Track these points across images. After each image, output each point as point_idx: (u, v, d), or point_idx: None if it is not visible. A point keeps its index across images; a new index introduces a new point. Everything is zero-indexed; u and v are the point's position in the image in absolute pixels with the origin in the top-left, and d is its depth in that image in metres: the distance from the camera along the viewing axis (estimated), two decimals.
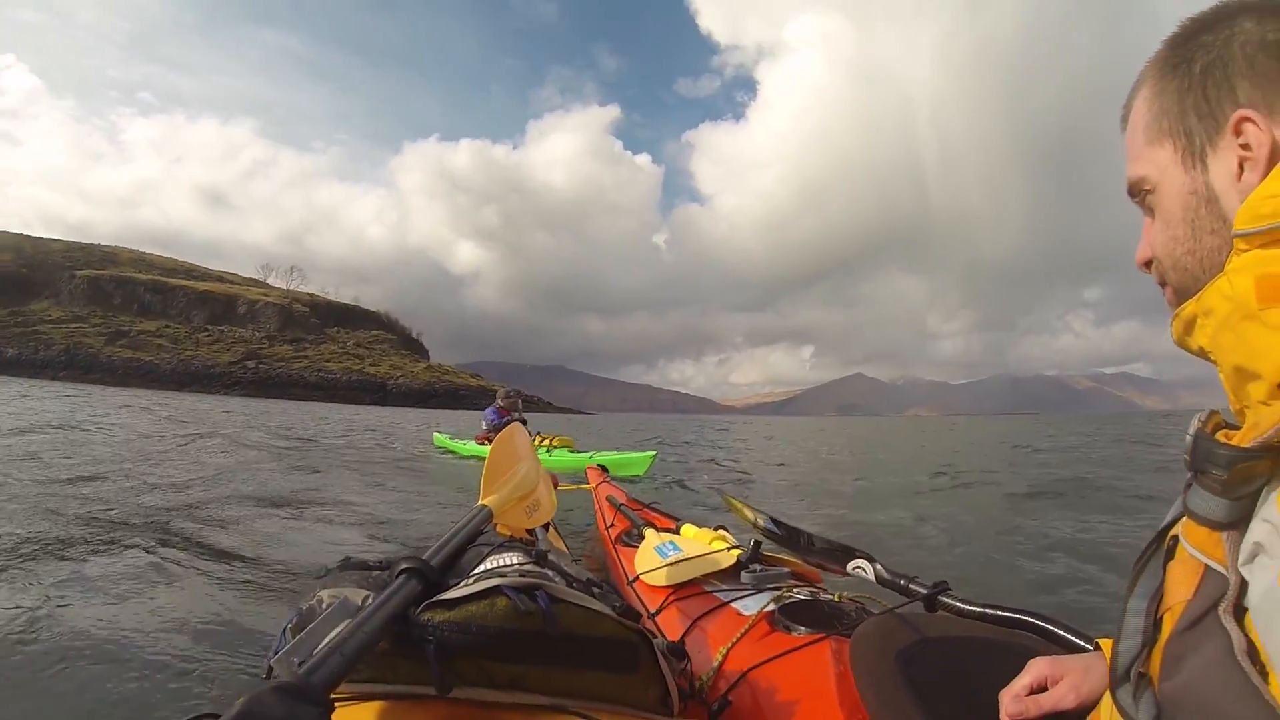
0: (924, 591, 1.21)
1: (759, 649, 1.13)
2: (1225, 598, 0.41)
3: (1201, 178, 0.50)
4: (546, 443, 9.27)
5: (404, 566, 0.80)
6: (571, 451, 9.16)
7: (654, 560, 1.66)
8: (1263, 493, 0.40)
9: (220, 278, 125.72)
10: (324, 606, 0.78)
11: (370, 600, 0.76)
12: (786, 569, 1.55)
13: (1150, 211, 0.56)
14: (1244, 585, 0.40)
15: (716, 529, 1.84)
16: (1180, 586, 0.47)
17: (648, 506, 2.62)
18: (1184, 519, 0.47)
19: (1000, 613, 1.07)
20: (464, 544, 0.97)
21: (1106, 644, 0.68)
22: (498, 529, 1.26)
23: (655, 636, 0.87)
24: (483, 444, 9.86)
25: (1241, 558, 0.40)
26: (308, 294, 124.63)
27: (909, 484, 7.38)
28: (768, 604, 1.29)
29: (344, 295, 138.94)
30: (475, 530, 1.04)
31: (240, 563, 2.74)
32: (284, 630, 0.80)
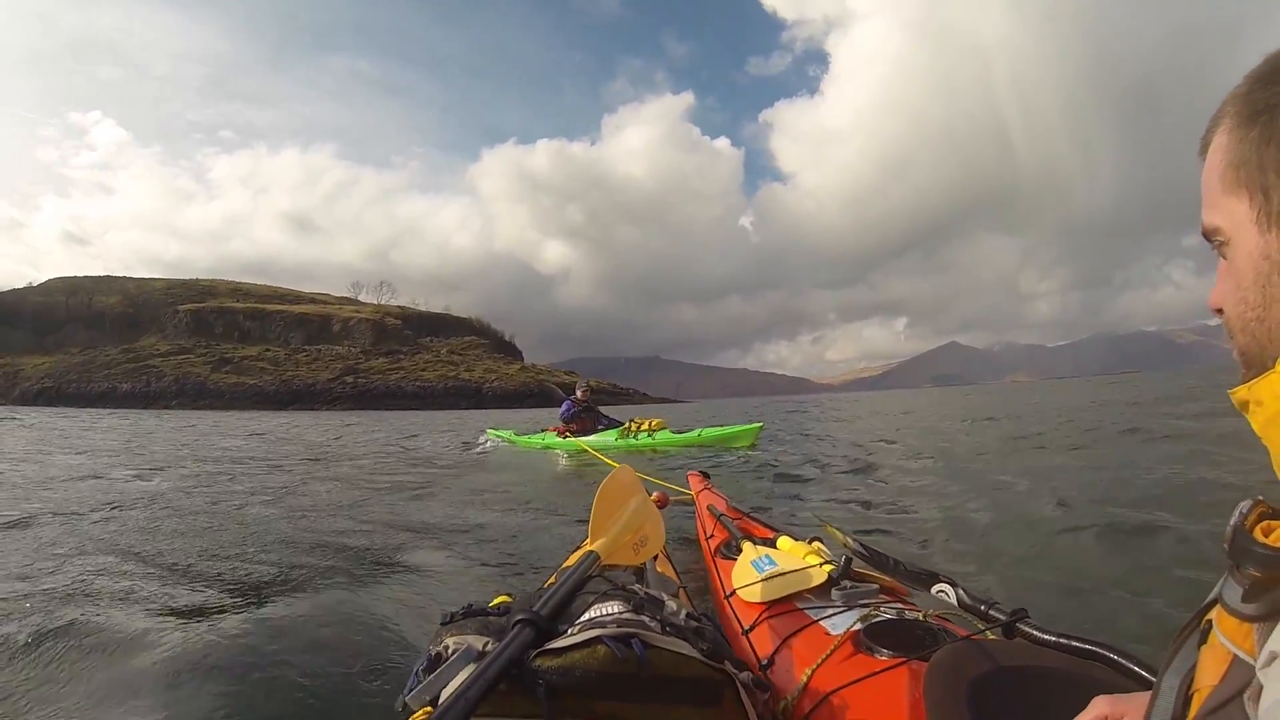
0: (1003, 618, 1.25)
1: (842, 671, 1.17)
2: (1250, 686, 0.41)
3: (1277, 242, 0.46)
4: (646, 426, 9.08)
5: (519, 618, 0.92)
6: (674, 432, 8.92)
7: (750, 575, 1.72)
8: None
9: (314, 299, 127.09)
10: (450, 652, 0.91)
11: (490, 646, 0.91)
12: (876, 585, 1.59)
13: (1224, 260, 0.51)
14: None
15: (811, 541, 1.86)
16: (1209, 671, 0.47)
17: (747, 515, 2.63)
18: (1218, 606, 0.47)
19: (1075, 643, 1.09)
20: (573, 591, 1.08)
21: None
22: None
23: (740, 672, 0.94)
24: (563, 436, 9.65)
25: (1261, 660, 0.40)
26: (399, 307, 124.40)
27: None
28: (855, 623, 1.32)
29: (434, 305, 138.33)
30: (583, 577, 1.13)
31: (360, 587, 2.81)
32: (416, 671, 0.92)
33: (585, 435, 9.42)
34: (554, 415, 10.44)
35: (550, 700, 0.83)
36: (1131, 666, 0.96)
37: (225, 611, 2.38)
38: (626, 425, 9.28)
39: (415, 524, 4.04)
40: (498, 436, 11.32)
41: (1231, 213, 0.48)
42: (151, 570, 2.94)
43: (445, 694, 0.82)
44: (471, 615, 1.04)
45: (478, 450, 10.27)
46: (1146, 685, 0.87)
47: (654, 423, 9.18)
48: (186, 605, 2.49)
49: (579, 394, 9.99)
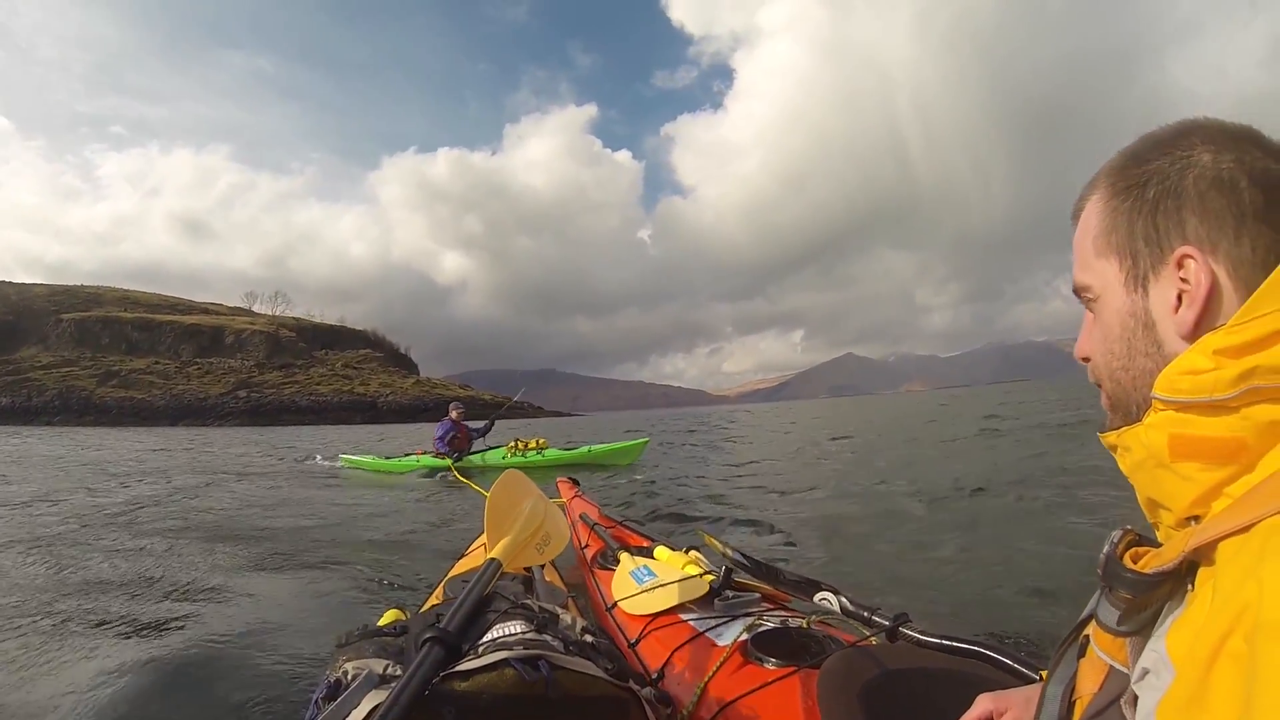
0: (886, 624, 1.27)
1: (734, 682, 1.18)
2: (1126, 692, 0.48)
3: (1142, 302, 0.53)
4: (534, 445, 9.19)
5: (428, 635, 0.90)
6: (563, 449, 9.34)
7: (631, 586, 1.73)
8: (1160, 616, 0.46)
9: (206, 309, 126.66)
10: (350, 678, 0.89)
11: (390, 669, 0.91)
12: (758, 594, 1.61)
13: (1092, 315, 0.59)
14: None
15: (688, 551, 1.88)
16: (1089, 680, 0.56)
17: (620, 524, 2.64)
18: (1093, 622, 0.53)
19: (956, 644, 1.13)
20: (479, 602, 1.05)
21: None
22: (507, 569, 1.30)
23: (643, 687, 0.96)
24: (438, 457, 9.41)
25: (1134, 675, 0.45)
26: (294, 318, 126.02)
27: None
28: (740, 633, 1.34)
29: (330, 316, 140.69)
30: (487, 586, 1.12)
31: (238, 613, 2.70)
32: (315, 700, 0.90)
33: (459, 455, 9.21)
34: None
35: None
36: (1009, 663, 1.03)
37: (92, 655, 2.22)
38: (512, 444, 9.28)
39: (287, 550, 3.90)
40: (352, 464, 10.42)
41: (1102, 274, 0.55)
42: None
43: None
44: (368, 636, 1.00)
45: (324, 466, 10.01)
46: (1024, 680, 0.97)
47: (540, 441, 9.38)
48: (34, 652, 2.26)
49: (454, 415, 9.58)
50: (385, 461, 9.98)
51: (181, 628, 2.52)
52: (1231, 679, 0.33)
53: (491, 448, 9.42)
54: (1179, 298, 0.50)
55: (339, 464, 10.73)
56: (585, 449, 9.21)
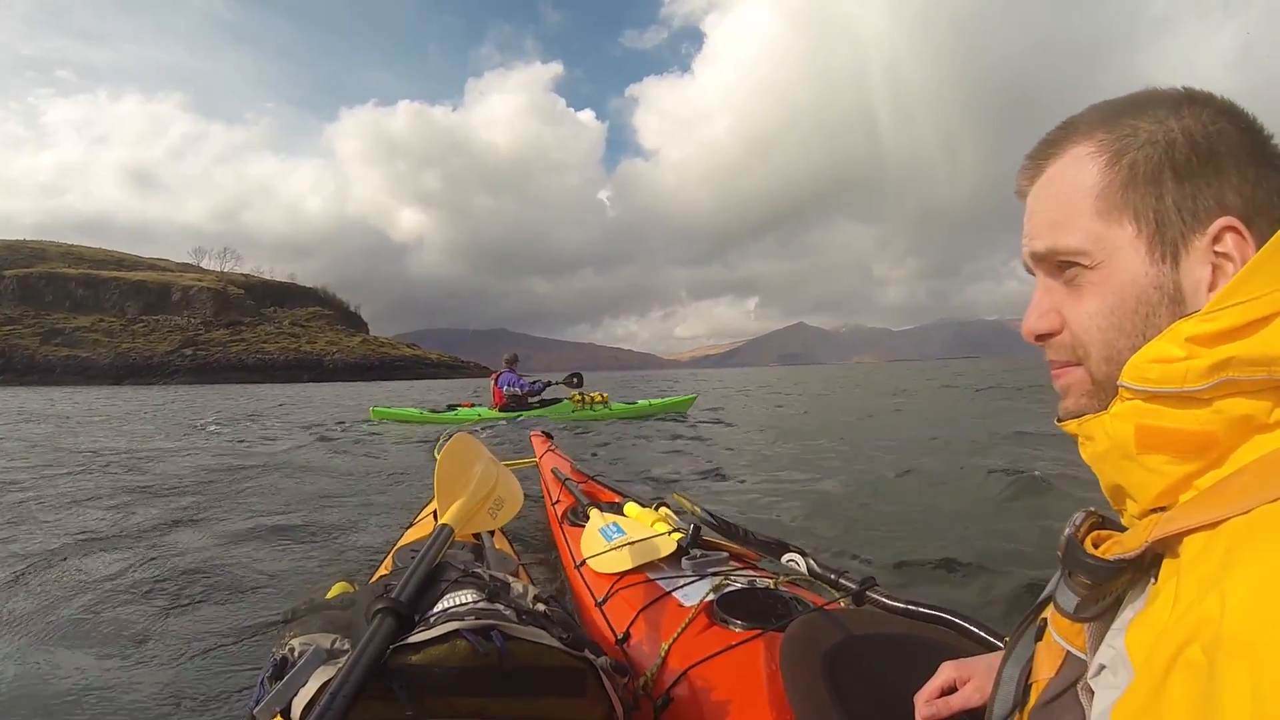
0: (853, 587, 1.27)
1: (699, 644, 1.17)
2: (1083, 678, 0.47)
3: (1171, 275, 0.45)
4: (599, 399, 9.57)
5: (380, 606, 0.87)
6: (625, 403, 10.16)
7: (600, 544, 1.72)
8: (1120, 607, 0.45)
9: (152, 265, 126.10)
10: (297, 655, 0.84)
11: (338, 643, 0.87)
12: (725, 553, 1.61)
13: (1068, 283, 0.49)
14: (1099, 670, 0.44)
15: (658, 508, 1.88)
16: (1046, 664, 0.54)
17: (592, 479, 2.62)
18: (1051, 606, 0.52)
19: (921, 609, 1.13)
20: (430, 571, 1.02)
21: None
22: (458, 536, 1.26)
23: (598, 657, 0.92)
24: (498, 409, 9.43)
25: (1090, 671, 0.44)
26: (243, 275, 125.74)
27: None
28: (707, 593, 1.33)
29: (281, 273, 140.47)
30: (439, 554, 1.10)
31: (195, 591, 2.46)
32: (261, 680, 0.85)
33: (520, 410, 9.29)
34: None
35: (412, 701, 0.78)
36: (974, 630, 1.03)
37: (24, 633, 2.07)
38: (581, 397, 9.41)
39: (231, 518, 3.62)
40: (388, 417, 9.97)
41: (1106, 238, 0.47)
42: None
43: (296, 702, 0.76)
44: (314, 610, 0.96)
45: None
46: (987, 647, 0.98)
47: (604, 395, 9.66)
48: None
49: (513, 367, 9.62)
50: (434, 414, 9.77)
51: (107, 606, 2.30)
52: (1187, 689, 0.32)
53: (554, 401, 9.61)
54: (1213, 274, 0.44)
55: (370, 419, 10.15)
56: (645, 403, 10.33)
